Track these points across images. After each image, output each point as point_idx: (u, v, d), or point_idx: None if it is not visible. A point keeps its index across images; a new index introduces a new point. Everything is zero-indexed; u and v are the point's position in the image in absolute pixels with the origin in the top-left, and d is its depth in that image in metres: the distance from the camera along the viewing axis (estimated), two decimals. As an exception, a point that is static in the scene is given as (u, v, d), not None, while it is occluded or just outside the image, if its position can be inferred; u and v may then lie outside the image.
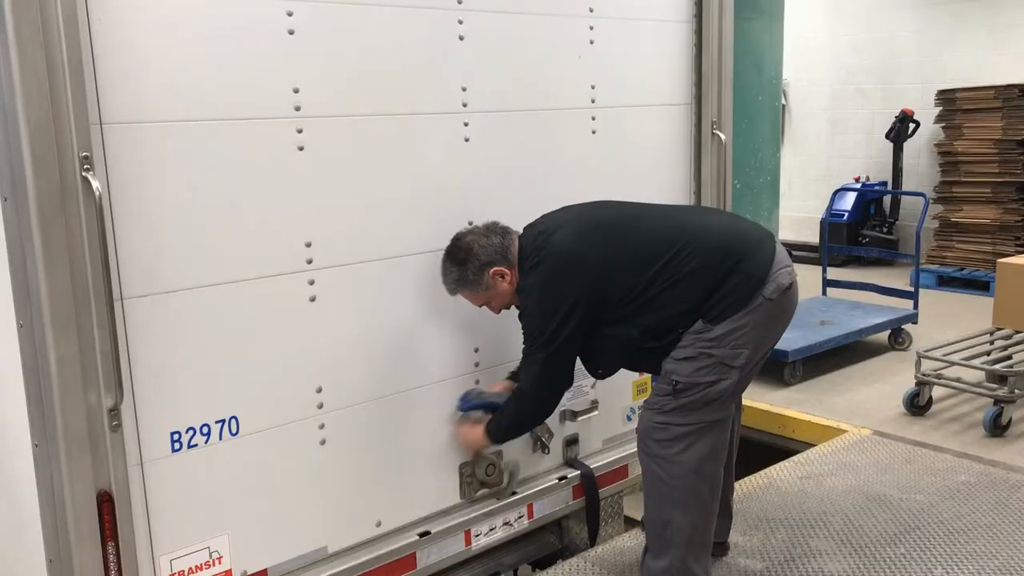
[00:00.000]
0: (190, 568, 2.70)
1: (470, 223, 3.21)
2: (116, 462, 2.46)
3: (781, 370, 5.71)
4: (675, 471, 2.94)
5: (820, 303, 6.86)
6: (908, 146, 9.21)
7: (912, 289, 6.67)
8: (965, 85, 8.69)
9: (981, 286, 8.12)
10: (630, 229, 3.03)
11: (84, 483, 2.40)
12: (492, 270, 3.02)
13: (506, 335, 3.42)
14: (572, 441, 3.73)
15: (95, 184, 2.34)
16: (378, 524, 3.15)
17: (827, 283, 7.10)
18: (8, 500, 2.64)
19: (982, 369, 5.09)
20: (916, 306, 6.57)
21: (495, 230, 3.08)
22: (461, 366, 3.34)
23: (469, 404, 3.27)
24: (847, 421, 5.15)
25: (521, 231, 3.11)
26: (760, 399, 5.46)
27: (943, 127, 8.83)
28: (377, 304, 3.07)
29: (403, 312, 3.14)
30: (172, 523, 2.65)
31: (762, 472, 4.45)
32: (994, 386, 5.01)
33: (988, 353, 5.27)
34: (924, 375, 5.19)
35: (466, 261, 3.03)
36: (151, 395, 2.58)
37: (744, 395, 5.31)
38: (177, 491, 2.66)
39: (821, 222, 7.58)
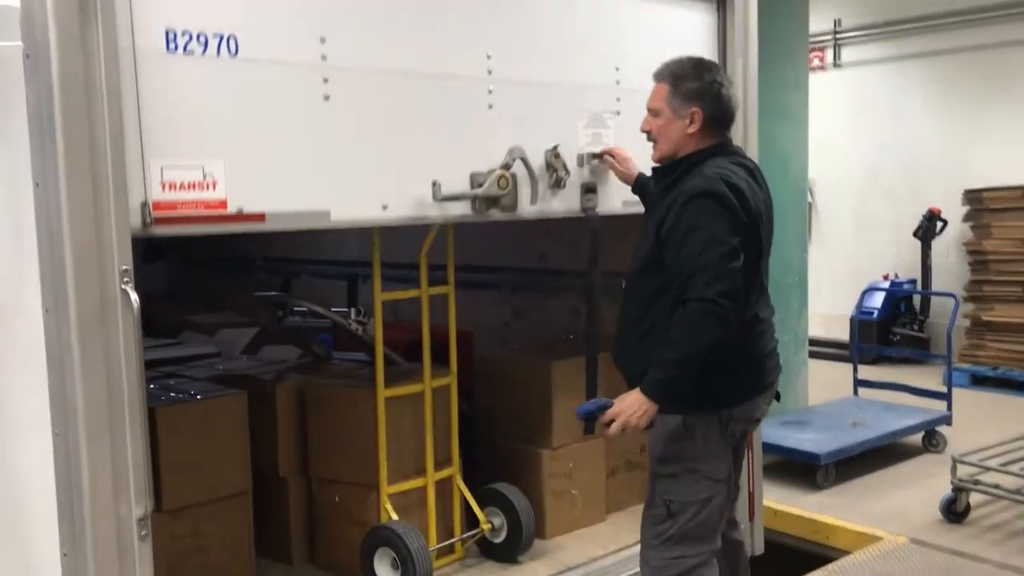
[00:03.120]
0: (182, 183, 2.59)
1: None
2: (143, 573, 2.45)
3: (814, 473, 5.60)
4: None
5: (852, 403, 6.77)
6: (936, 244, 9.20)
7: (945, 390, 6.57)
8: (991, 184, 8.71)
9: (1016, 386, 7.98)
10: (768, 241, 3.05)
11: (111, 594, 2.40)
12: (696, 108, 2.91)
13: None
14: (590, 189, 3.61)
15: (134, 297, 2.41)
16: (384, 207, 3.04)
17: (858, 383, 7.01)
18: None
19: (1021, 476, 4.97)
20: (950, 407, 6.46)
21: (731, 113, 2.99)
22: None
23: (584, 409, 3.07)
24: (882, 527, 5.02)
25: (713, 146, 2.97)
26: (793, 503, 5.35)
27: (971, 226, 8.83)
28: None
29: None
30: (164, 129, 2.54)
31: (796, 582, 4.34)
32: (1034, 493, 4.88)
33: (1026, 458, 5.16)
34: (961, 481, 5.08)
35: (702, 78, 2.93)
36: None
37: (775, 498, 5.29)
38: (170, 95, 2.55)
39: (851, 320, 7.54)
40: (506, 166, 3.24)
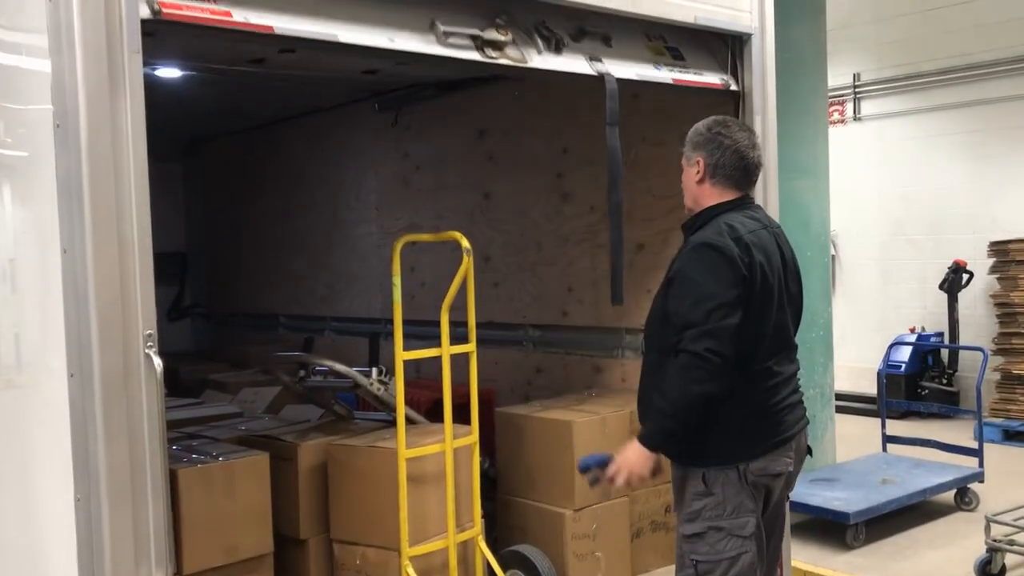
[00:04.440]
0: None
1: None
2: (163, 640, 2.44)
3: (843, 532, 5.49)
4: None
5: (881, 460, 6.65)
6: (963, 296, 9.11)
7: (976, 445, 6.45)
8: (1017, 235, 8.66)
9: (1050, 441, 7.83)
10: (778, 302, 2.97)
11: (130, 662, 2.38)
12: (700, 156, 3.01)
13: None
14: (595, 58, 3.55)
15: (157, 361, 2.43)
16: (391, 40, 3.02)
17: (887, 439, 6.90)
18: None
19: (1057, 535, 4.85)
20: (982, 464, 6.33)
21: (740, 165, 2.99)
22: None
23: (585, 462, 3.07)
24: (916, 589, 4.90)
25: (731, 200, 3.01)
26: (822, 563, 5.24)
27: (998, 278, 8.75)
28: None
29: None
30: None
31: (827, 647, 4.23)
32: (1071, 554, 4.76)
33: (1062, 517, 5.03)
34: (995, 541, 4.95)
35: (711, 130, 3.02)
36: None
37: (803, 559, 5.18)
38: None
39: (878, 374, 7.44)
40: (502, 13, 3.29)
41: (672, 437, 2.86)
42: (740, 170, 3.02)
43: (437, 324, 3.78)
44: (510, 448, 4.37)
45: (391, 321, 3.76)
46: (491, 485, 4.37)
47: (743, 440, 2.90)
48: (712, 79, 3.95)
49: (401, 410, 3.65)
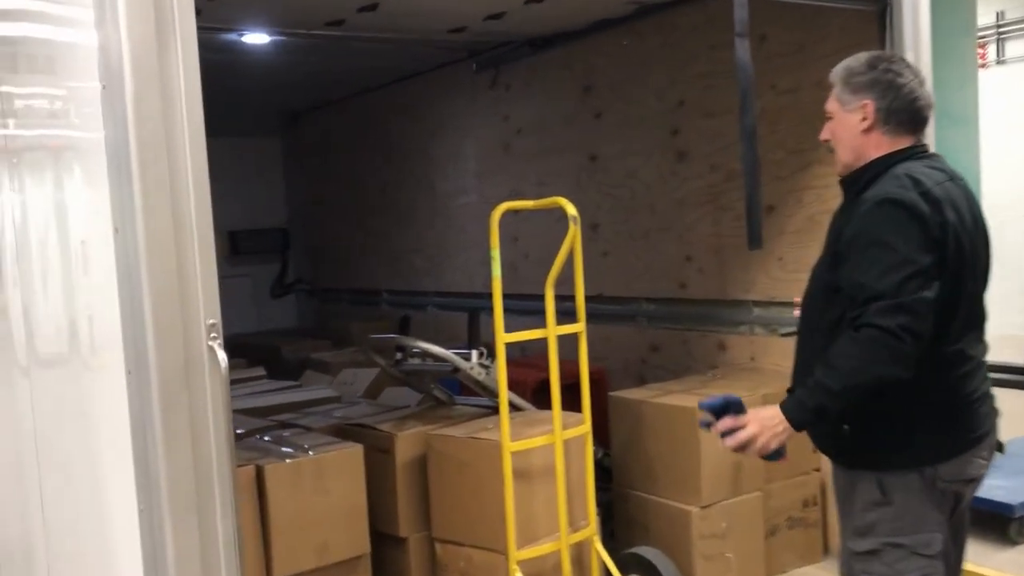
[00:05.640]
0: None
1: None
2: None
3: (1005, 526, 4.89)
4: None
5: (1042, 441, 5.96)
6: None
7: None
8: None
9: None
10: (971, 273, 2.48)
11: None
12: (867, 100, 2.47)
13: None
14: None
15: (221, 355, 2.12)
16: None
17: (1047, 416, 6.19)
18: None
19: None
20: None
21: (914, 108, 2.48)
22: None
23: (711, 403, 2.50)
24: (1096, 593, 4.30)
25: (905, 148, 2.49)
26: (982, 561, 4.67)
27: None
28: None
29: None
30: None
31: (996, 662, 3.72)
32: None
33: None
34: None
35: (876, 67, 2.48)
36: None
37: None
38: None
39: (1032, 344, 6.72)
40: None
41: (826, 419, 2.36)
42: (915, 114, 2.48)
43: (542, 299, 3.39)
44: (626, 436, 3.97)
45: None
46: (606, 475, 3.99)
47: (931, 439, 2.39)
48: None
49: (504, 398, 3.28)
